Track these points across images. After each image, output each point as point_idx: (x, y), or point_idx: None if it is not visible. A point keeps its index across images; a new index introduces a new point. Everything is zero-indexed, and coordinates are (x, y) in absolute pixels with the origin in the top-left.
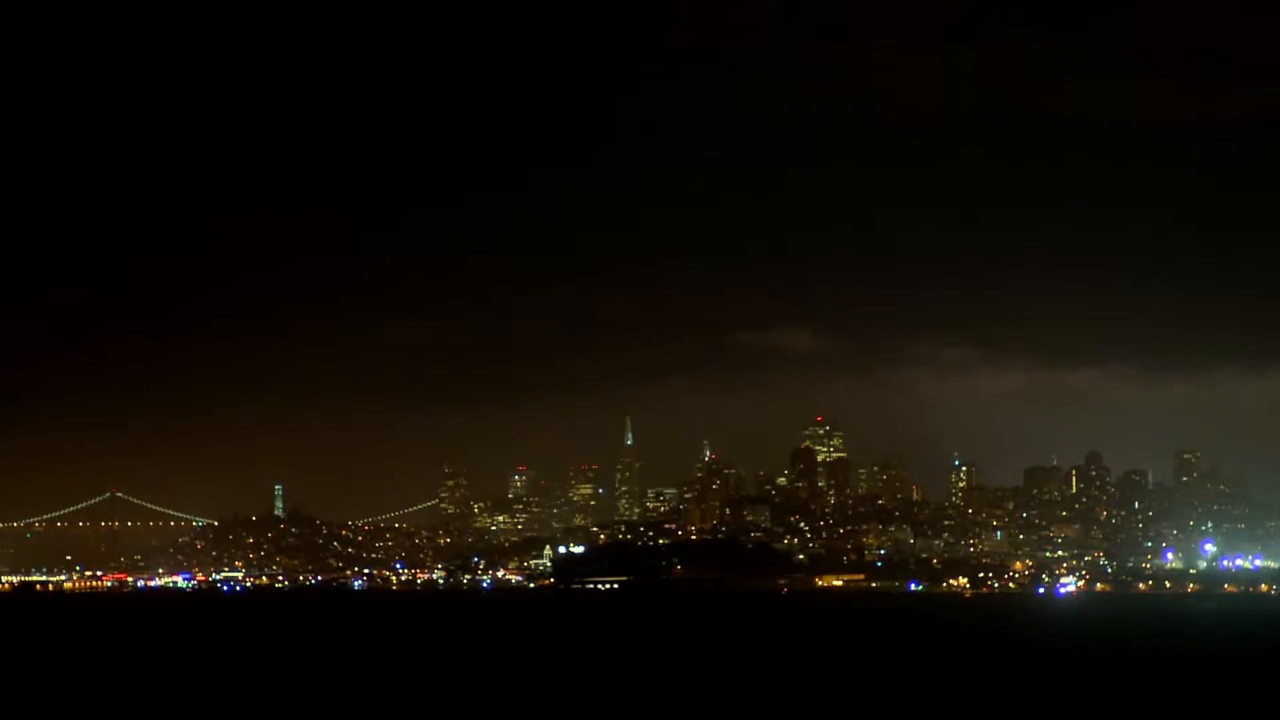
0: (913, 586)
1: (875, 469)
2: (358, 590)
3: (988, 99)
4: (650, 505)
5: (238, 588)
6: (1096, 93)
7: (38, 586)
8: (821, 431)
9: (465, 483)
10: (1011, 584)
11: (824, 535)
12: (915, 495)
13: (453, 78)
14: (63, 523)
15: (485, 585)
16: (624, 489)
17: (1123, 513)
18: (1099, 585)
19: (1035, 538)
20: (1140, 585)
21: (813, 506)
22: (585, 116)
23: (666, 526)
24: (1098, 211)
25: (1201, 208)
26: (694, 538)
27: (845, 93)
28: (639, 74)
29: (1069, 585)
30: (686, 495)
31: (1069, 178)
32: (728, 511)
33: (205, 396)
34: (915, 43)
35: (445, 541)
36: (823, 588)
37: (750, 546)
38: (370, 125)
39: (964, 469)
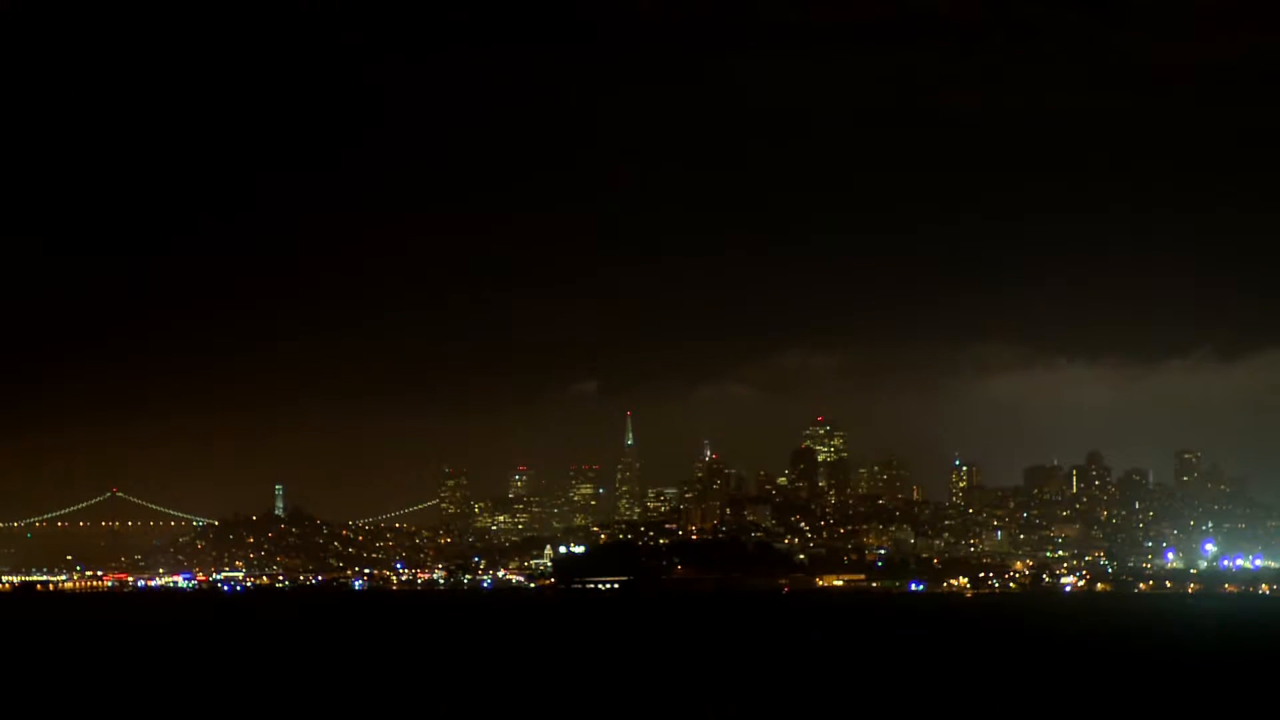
0: (913, 586)
1: (875, 469)
2: (358, 590)
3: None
4: (651, 505)
5: (238, 588)
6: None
7: (38, 586)
8: (821, 431)
9: (465, 483)
10: (1012, 584)
11: (824, 535)
12: (916, 495)
13: (452, 76)
14: (63, 523)
15: (486, 585)
16: (624, 489)
17: (1123, 513)
18: (1099, 585)
19: (1036, 538)
20: (1141, 585)
21: (813, 506)
22: (576, 117)
23: (667, 526)
24: (1099, 210)
25: (1203, 205)
26: (694, 538)
27: (849, 95)
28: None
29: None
30: (687, 495)
31: (1069, 176)
32: (728, 511)
33: (205, 396)
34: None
35: (445, 541)
36: (823, 587)
37: (751, 546)
38: (369, 124)
39: (964, 469)
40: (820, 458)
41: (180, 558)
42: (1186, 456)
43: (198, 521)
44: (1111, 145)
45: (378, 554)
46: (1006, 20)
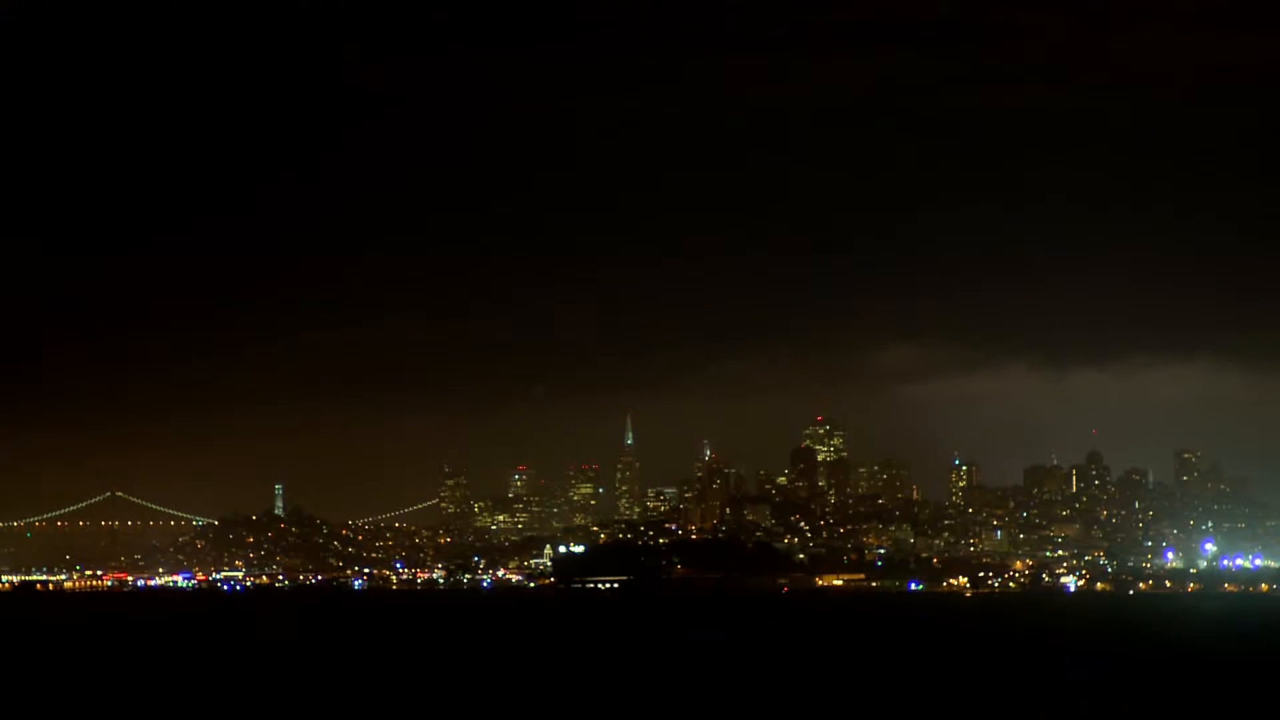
0: (913, 586)
1: (875, 469)
2: (358, 590)
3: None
4: (650, 505)
5: (238, 587)
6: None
7: (38, 586)
8: (821, 431)
9: (465, 482)
10: (1012, 584)
11: (824, 535)
12: (915, 495)
13: (450, 76)
14: (63, 522)
15: (485, 585)
16: (624, 488)
17: (1123, 512)
18: (1099, 585)
19: (1035, 537)
20: (1141, 585)
21: (813, 506)
22: (580, 118)
23: (667, 526)
24: (1099, 211)
25: (1203, 207)
26: (694, 537)
27: (843, 93)
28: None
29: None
30: (686, 495)
31: (1066, 176)
32: (728, 511)
33: (205, 396)
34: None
35: (445, 541)
36: (823, 587)
37: (750, 546)
38: (367, 124)
39: (964, 468)
40: (820, 457)
41: (180, 557)
42: (1186, 456)
43: (198, 521)
44: (1110, 145)
45: (377, 554)
46: (991, 21)
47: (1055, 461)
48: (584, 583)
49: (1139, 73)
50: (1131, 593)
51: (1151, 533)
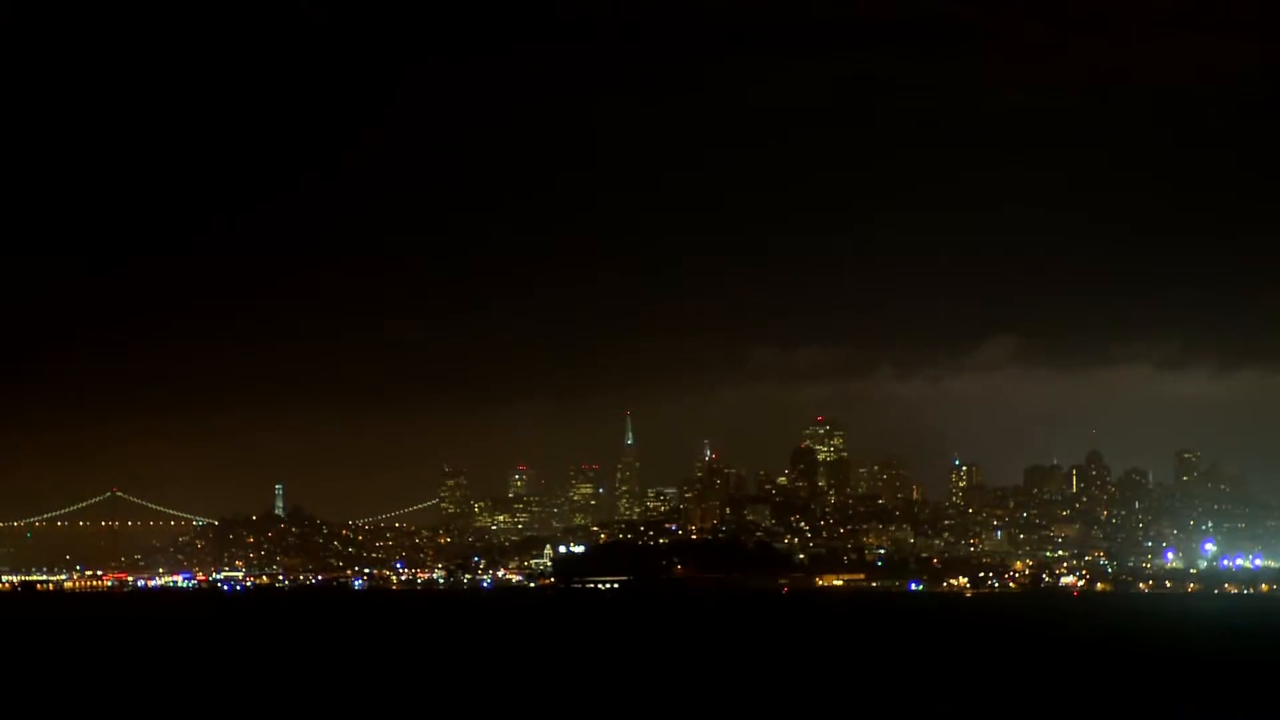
0: (913, 586)
1: (875, 468)
2: (358, 590)
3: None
4: (650, 505)
5: (238, 587)
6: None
7: (38, 586)
8: (821, 431)
9: (465, 482)
10: (1012, 584)
11: (824, 535)
12: (915, 495)
13: (449, 76)
14: (63, 522)
15: (485, 585)
16: (624, 488)
17: (1123, 512)
18: (1099, 585)
19: (1035, 537)
20: (1141, 585)
21: (813, 506)
22: (581, 118)
23: (667, 526)
24: (1096, 211)
25: (1201, 209)
26: (694, 537)
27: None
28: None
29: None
30: (687, 495)
31: (1065, 176)
32: (728, 511)
33: (205, 396)
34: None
35: (445, 541)
36: (823, 587)
37: (750, 546)
38: (368, 124)
39: (964, 468)
40: (820, 457)
41: (180, 557)
42: (1186, 456)
43: (198, 521)
44: (1107, 148)
45: (378, 554)
46: (961, 22)
47: (1055, 461)
48: (584, 583)
49: (1108, 74)
50: (1130, 591)
51: (1151, 533)
